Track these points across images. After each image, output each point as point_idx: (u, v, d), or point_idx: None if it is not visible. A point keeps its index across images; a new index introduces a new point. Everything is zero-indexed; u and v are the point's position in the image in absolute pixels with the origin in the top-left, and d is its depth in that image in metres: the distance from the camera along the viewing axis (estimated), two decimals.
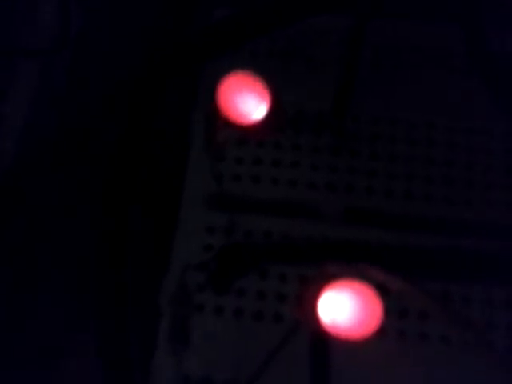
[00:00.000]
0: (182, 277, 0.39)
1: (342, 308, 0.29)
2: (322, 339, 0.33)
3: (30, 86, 0.44)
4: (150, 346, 0.38)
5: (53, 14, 0.44)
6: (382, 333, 0.31)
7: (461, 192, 0.41)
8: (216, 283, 0.38)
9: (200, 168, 0.41)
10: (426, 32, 0.45)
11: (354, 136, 0.42)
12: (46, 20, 0.44)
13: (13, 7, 0.44)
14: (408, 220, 0.41)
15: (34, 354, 0.40)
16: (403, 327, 0.38)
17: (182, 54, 0.40)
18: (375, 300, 0.29)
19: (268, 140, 0.42)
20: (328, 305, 0.30)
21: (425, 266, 0.39)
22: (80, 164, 0.43)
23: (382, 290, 0.30)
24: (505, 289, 0.38)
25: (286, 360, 0.36)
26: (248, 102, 0.36)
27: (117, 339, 0.38)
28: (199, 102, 0.42)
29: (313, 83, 0.43)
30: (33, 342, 0.40)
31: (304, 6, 0.40)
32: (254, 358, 0.37)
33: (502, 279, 0.38)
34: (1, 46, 0.43)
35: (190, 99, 0.43)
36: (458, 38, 0.44)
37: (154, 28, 0.43)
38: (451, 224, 0.40)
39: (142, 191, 0.41)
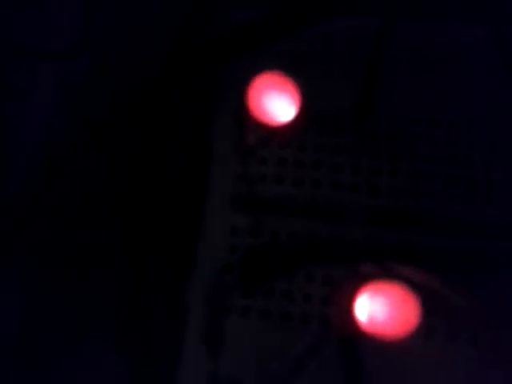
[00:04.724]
0: (208, 278, 0.39)
1: (378, 308, 0.29)
2: (352, 342, 0.34)
3: (50, 87, 0.44)
4: (176, 347, 0.38)
5: (74, 16, 0.44)
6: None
7: (484, 192, 0.41)
8: (243, 285, 0.38)
9: (225, 169, 0.41)
10: (449, 33, 0.45)
11: (376, 136, 0.42)
12: (66, 22, 0.44)
13: (34, 10, 0.44)
14: (431, 219, 0.41)
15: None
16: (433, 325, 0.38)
17: (203, 55, 0.41)
18: (412, 300, 0.29)
19: (291, 141, 0.41)
20: (365, 305, 0.30)
21: (450, 264, 0.39)
22: (98, 165, 0.43)
23: (420, 290, 0.30)
24: None
25: (316, 364, 0.36)
26: (279, 104, 0.36)
27: (143, 336, 0.38)
28: (223, 104, 0.42)
29: (335, 84, 0.43)
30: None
31: (327, 7, 0.40)
32: (281, 359, 0.37)
33: None
34: (22, 48, 0.43)
35: (209, 103, 0.43)
36: (482, 39, 0.44)
37: (173, 30, 0.43)
38: (475, 224, 0.40)
39: (167, 194, 0.41)
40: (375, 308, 0.30)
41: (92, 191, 0.43)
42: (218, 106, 0.42)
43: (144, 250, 0.40)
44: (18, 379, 0.40)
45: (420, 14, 0.43)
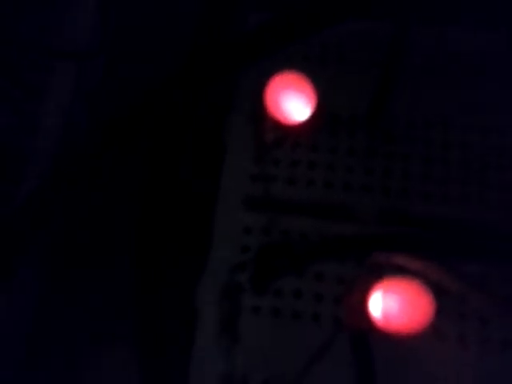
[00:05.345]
0: (220, 277, 0.39)
1: (392, 304, 0.29)
2: (364, 340, 0.34)
3: (67, 87, 0.44)
4: (188, 346, 0.38)
5: (90, 16, 0.44)
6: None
7: (497, 195, 0.41)
8: (255, 284, 0.38)
9: (237, 169, 0.41)
10: (465, 37, 0.45)
11: (389, 138, 0.42)
12: (82, 22, 0.44)
13: (50, 10, 0.44)
14: (444, 222, 0.41)
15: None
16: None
17: (219, 57, 0.41)
18: (426, 296, 0.29)
19: (304, 142, 0.42)
20: (378, 301, 0.30)
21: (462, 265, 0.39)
22: (113, 167, 0.43)
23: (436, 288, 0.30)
24: None
25: (327, 362, 0.36)
26: (295, 103, 0.36)
27: (155, 336, 0.38)
28: (237, 104, 0.42)
29: (348, 85, 0.43)
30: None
31: (342, 10, 0.40)
32: (293, 356, 0.37)
33: None
34: (39, 47, 0.43)
35: (223, 103, 0.43)
36: (498, 43, 0.44)
37: (190, 30, 0.44)
38: (487, 228, 0.40)
39: (180, 193, 0.42)
40: (389, 304, 0.30)
41: (105, 191, 0.43)
42: (232, 107, 0.42)
43: (156, 249, 0.40)
44: (30, 379, 0.41)
45: (434, 17, 0.43)
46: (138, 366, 0.38)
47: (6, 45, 0.43)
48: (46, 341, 0.41)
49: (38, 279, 0.42)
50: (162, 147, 0.42)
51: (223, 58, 0.41)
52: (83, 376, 0.41)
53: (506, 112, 0.43)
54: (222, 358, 0.37)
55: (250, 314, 0.38)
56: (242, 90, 0.42)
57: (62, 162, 0.43)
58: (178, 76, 0.41)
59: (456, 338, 0.37)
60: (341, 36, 0.44)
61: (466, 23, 0.44)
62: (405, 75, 0.42)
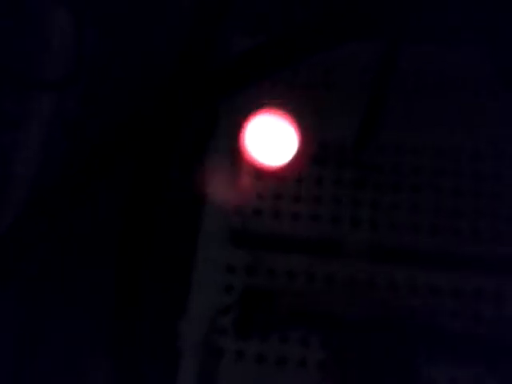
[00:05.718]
0: (202, 320, 0.38)
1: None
2: None
3: (44, 115, 0.43)
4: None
5: (66, 44, 0.43)
6: None
7: (490, 226, 0.40)
8: (238, 328, 0.37)
9: (219, 204, 0.40)
10: (450, 57, 0.43)
11: (377, 168, 0.41)
12: (59, 50, 0.43)
13: (26, 38, 0.43)
14: (436, 257, 0.39)
15: None
16: None
17: (200, 87, 0.39)
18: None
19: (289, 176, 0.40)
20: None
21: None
22: (95, 193, 0.42)
23: None
24: None
25: None
26: (276, 146, 0.34)
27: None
28: (221, 138, 0.40)
29: (334, 114, 0.41)
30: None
31: (329, 37, 0.38)
32: None
33: None
34: (15, 77, 0.42)
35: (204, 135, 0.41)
36: (483, 61, 0.42)
37: (172, 57, 0.42)
38: (481, 261, 0.39)
39: (160, 229, 0.40)
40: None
41: (88, 224, 0.42)
42: (213, 142, 0.40)
43: (135, 285, 0.39)
44: None
45: (420, 38, 0.41)
46: None
47: None
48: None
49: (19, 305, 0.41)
50: (143, 179, 0.41)
51: (206, 85, 0.39)
52: None
53: (497, 135, 0.41)
54: None
55: (232, 358, 0.37)
56: (224, 122, 0.40)
57: (41, 191, 0.42)
58: (159, 103, 0.40)
59: None
60: (328, 61, 0.42)
61: (453, 43, 0.42)
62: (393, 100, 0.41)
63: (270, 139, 0.35)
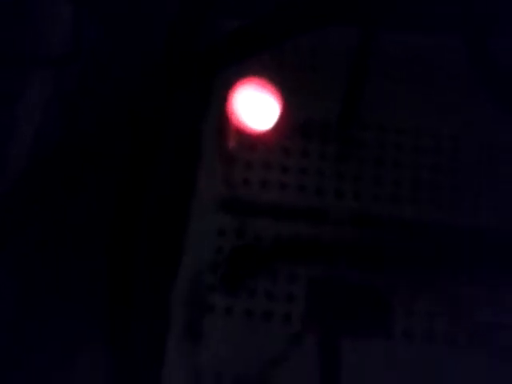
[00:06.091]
0: (193, 278, 0.40)
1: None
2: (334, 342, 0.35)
3: (42, 95, 0.45)
4: (160, 347, 0.39)
5: (67, 24, 0.45)
6: None
7: (467, 198, 0.42)
8: (227, 284, 0.39)
9: (211, 173, 0.42)
10: (431, 43, 0.46)
11: (360, 144, 0.43)
12: (59, 30, 0.45)
13: (23, 16, 0.45)
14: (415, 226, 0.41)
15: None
16: None
17: (192, 64, 0.42)
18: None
19: (276, 147, 0.43)
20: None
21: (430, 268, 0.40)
22: (90, 174, 0.44)
23: None
24: None
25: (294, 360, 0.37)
26: (260, 109, 0.37)
27: (126, 337, 0.39)
28: (211, 109, 0.43)
29: (320, 92, 0.44)
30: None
31: (311, 19, 0.41)
32: (265, 356, 0.38)
33: None
34: (13, 54, 0.44)
35: (200, 109, 0.44)
36: (461, 48, 0.45)
37: (167, 40, 0.44)
38: (460, 231, 0.41)
39: (155, 196, 0.42)
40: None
41: (81, 199, 0.43)
42: (205, 113, 0.43)
43: (130, 249, 0.41)
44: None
45: (402, 23, 0.44)
46: (110, 367, 0.39)
47: None
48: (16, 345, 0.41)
49: (12, 279, 0.42)
50: (138, 151, 0.43)
51: (195, 64, 0.42)
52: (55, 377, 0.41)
53: (474, 118, 0.44)
54: (193, 359, 0.38)
55: (221, 314, 0.39)
56: (216, 95, 0.43)
57: (34, 167, 0.43)
58: (150, 84, 0.42)
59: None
60: (313, 41, 0.45)
61: (431, 29, 0.45)
62: (376, 81, 0.43)
63: (257, 107, 0.37)
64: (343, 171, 0.43)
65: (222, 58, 0.42)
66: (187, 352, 0.38)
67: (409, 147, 0.44)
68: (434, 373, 0.38)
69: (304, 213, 0.42)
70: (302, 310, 0.39)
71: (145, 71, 0.43)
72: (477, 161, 0.44)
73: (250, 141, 0.41)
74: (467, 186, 0.43)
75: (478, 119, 0.44)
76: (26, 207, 0.41)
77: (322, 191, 0.42)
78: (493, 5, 0.44)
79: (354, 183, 0.43)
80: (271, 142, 0.41)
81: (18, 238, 0.42)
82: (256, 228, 0.41)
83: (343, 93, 0.43)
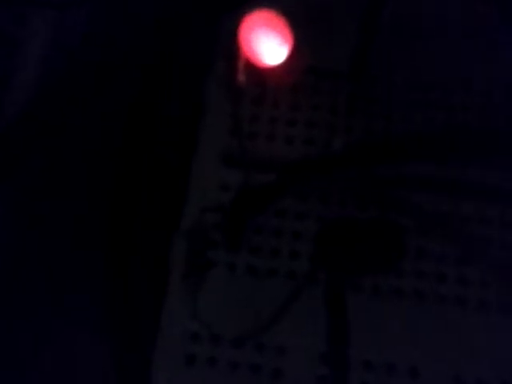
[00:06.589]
0: (195, 234, 0.39)
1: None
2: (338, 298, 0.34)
3: (44, 37, 0.44)
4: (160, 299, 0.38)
5: None
6: None
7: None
8: (228, 240, 0.38)
9: (216, 122, 0.41)
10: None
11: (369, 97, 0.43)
12: None
13: None
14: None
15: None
16: None
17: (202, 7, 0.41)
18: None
19: (284, 100, 0.42)
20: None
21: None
22: (90, 118, 0.43)
23: None
24: None
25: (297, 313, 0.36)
26: (270, 44, 0.36)
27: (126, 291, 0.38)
28: (219, 52, 0.42)
29: (331, 45, 0.43)
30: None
31: None
32: (264, 313, 0.37)
33: None
34: None
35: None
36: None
37: None
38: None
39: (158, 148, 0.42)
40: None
41: (83, 147, 0.42)
42: (214, 55, 0.42)
43: (131, 206, 0.40)
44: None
45: None
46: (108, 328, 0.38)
47: None
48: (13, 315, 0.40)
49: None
50: (143, 99, 0.42)
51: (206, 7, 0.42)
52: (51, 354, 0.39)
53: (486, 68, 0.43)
54: (192, 314, 0.37)
55: (223, 269, 0.38)
56: (225, 36, 0.41)
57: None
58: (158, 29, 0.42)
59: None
60: None
61: None
62: (387, 36, 0.43)
63: (267, 41, 0.36)
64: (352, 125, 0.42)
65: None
66: (187, 308, 0.37)
67: None
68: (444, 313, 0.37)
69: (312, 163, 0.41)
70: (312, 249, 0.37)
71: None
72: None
73: (259, 76, 0.40)
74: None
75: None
76: (26, 140, 0.41)
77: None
78: None
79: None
80: (280, 80, 0.40)
81: (19, 170, 0.41)
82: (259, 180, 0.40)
83: (354, 45, 0.42)
